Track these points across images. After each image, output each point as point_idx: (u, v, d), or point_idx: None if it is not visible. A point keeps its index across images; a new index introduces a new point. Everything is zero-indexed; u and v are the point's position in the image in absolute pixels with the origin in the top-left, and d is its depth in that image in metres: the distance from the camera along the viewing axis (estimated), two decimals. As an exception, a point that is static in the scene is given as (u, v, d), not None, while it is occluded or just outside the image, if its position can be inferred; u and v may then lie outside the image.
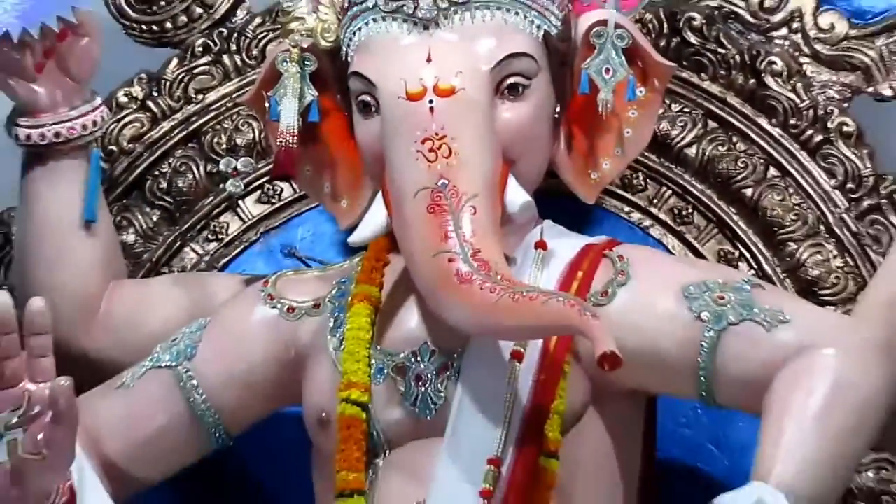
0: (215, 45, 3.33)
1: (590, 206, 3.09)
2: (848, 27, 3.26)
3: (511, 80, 2.90)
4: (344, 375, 2.89)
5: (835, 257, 3.15)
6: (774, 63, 3.19)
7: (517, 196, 2.89)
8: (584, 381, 2.87)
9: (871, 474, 3.08)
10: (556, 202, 3.06)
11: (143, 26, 3.34)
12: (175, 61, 3.32)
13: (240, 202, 3.29)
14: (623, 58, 2.96)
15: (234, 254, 3.29)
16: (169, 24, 3.33)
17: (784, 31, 3.26)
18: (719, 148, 3.19)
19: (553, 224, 3.01)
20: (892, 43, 3.27)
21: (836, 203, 3.16)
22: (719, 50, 3.22)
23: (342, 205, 3.07)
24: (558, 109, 2.98)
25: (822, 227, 3.16)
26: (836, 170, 3.16)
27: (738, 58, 3.22)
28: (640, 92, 3.00)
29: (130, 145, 3.29)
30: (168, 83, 3.30)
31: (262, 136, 3.20)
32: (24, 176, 3.10)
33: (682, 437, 3.13)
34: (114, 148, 3.26)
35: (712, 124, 3.22)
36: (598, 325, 2.66)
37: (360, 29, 2.94)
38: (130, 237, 3.23)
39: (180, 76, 3.30)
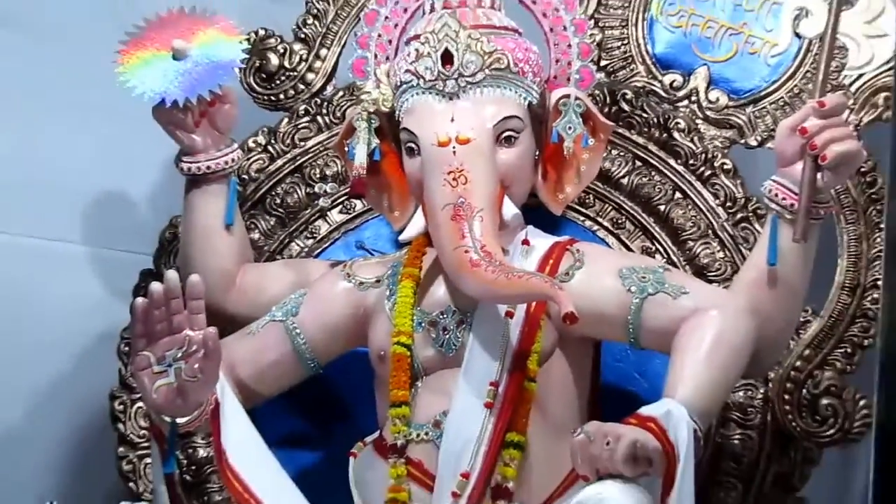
0: (313, 109, 3.28)
1: (558, 216, 3.08)
2: (727, 100, 3.22)
3: (506, 133, 2.93)
4: (395, 327, 2.93)
5: (718, 251, 3.14)
6: (679, 123, 3.17)
7: (509, 210, 2.93)
8: (553, 332, 2.90)
9: (741, 394, 3.07)
10: (535, 213, 3.04)
11: (265, 97, 3.31)
12: (286, 120, 3.28)
13: (328, 213, 3.26)
14: (580, 119, 2.97)
15: (323, 247, 3.26)
16: (282, 96, 3.30)
17: (686, 102, 3.23)
18: (643, 179, 3.17)
19: (534, 228, 3.03)
20: (755, 111, 3.20)
21: (719, 215, 3.14)
22: (643, 114, 3.18)
23: (395, 214, 3.09)
24: (537, 153, 3.00)
25: (710, 232, 3.14)
26: (719, 193, 3.15)
27: (655, 119, 3.18)
28: (591, 142, 3.00)
29: (256, 175, 3.25)
30: (281, 134, 3.27)
31: (343, 169, 3.17)
32: (186, 195, 3.09)
33: (617, 369, 3.11)
34: (245, 176, 3.22)
35: (638, 163, 3.18)
36: (562, 294, 2.72)
37: (407, 99, 2.96)
38: (256, 235, 3.22)
39: (289, 130, 3.27)
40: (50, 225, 3.51)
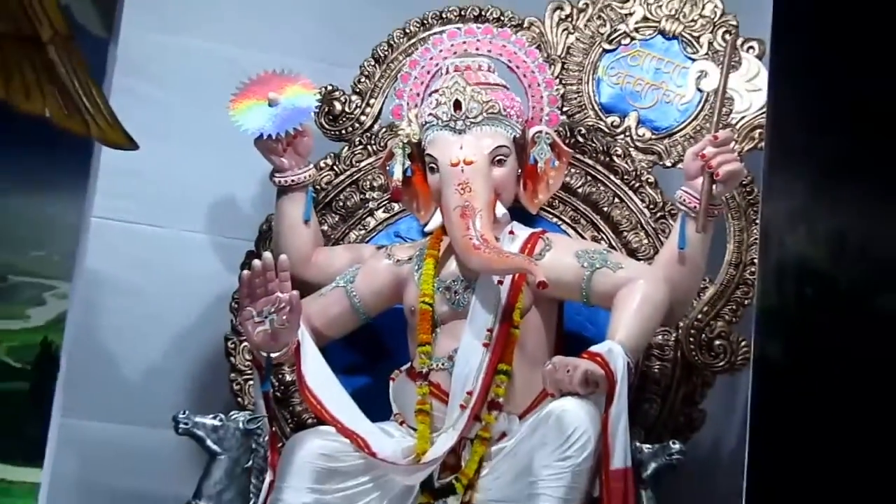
0: (364, 141, 3.23)
1: (534, 215, 3.05)
2: (651, 134, 3.18)
3: (498, 157, 2.92)
4: (421, 291, 2.93)
5: (644, 239, 3.10)
6: (617, 150, 3.14)
7: (500, 210, 2.93)
8: (530, 294, 2.89)
9: (659, 337, 3.04)
10: (518, 213, 3.01)
11: (332, 132, 3.26)
12: (346, 148, 3.23)
13: (374, 212, 3.21)
14: (549, 147, 2.97)
15: (371, 236, 3.21)
16: (343, 132, 3.25)
17: (622, 136, 3.17)
18: (592, 189, 3.13)
19: (517, 223, 3.00)
20: (670, 142, 3.16)
21: (644, 214, 3.11)
22: (592, 144, 3.14)
23: (421, 213, 3.07)
24: (519, 171, 2.99)
25: (638, 225, 3.11)
26: (645, 199, 3.11)
27: (601, 148, 3.14)
28: (557, 163, 2.99)
29: (325, 186, 3.20)
30: (342, 158, 3.22)
31: (385, 182, 3.12)
32: (277, 200, 3.07)
33: (575, 320, 3.06)
34: (318, 187, 3.17)
35: (589, 178, 3.13)
36: (537, 268, 2.76)
37: (430, 133, 2.95)
38: (325, 227, 3.16)
39: (348, 155, 3.23)
40: (185, 221, 3.48)
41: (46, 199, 3.32)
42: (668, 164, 3.16)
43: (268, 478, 2.82)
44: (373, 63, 3.27)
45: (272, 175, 3.07)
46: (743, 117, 3.10)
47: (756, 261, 3.03)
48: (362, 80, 3.27)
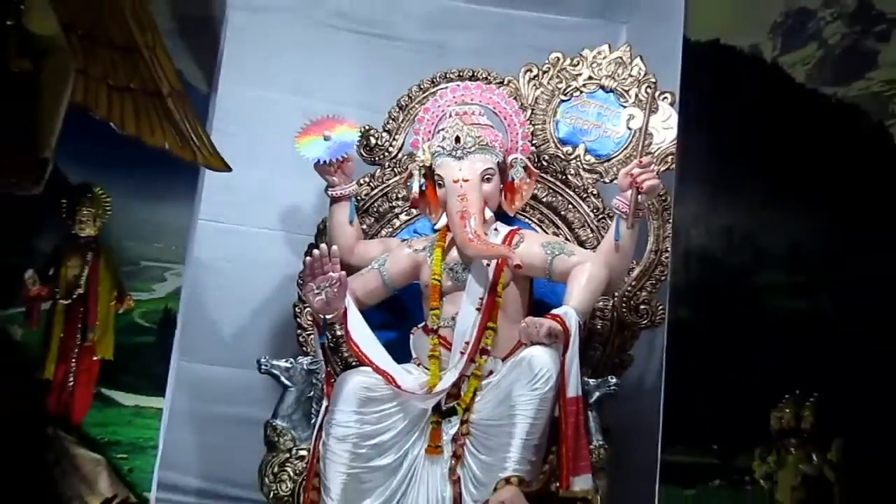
0: (392, 165, 3.18)
1: (512, 217, 3.02)
2: (595, 160, 3.14)
3: (486, 176, 2.91)
4: (433, 271, 2.90)
5: (591, 234, 3.07)
6: (571, 171, 3.12)
7: (488, 213, 2.91)
8: (510, 273, 2.87)
9: (601, 303, 3.00)
10: (501, 215, 2.98)
11: (368, 159, 3.21)
12: (379, 169, 3.18)
13: (399, 215, 3.16)
14: (522, 169, 2.94)
15: (397, 233, 3.16)
16: (376, 158, 3.20)
17: (574, 161, 3.13)
18: (553, 199, 3.10)
19: (500, 222, 2.98)
20: (609, 165, 3.12)
21: (590, 216, 3.08)
22: (553, 166, 3.11)
23: (432, 216, 3.02)
24: (501, 186, 2.96)
25: (586, 224, 3.08)
26: (591, 205, 3.09)
27: (560, 169, 3.11)
28: (528, 180, 2.97)
29: (364, 197, 3.14)
30: (376, 177, 3.18)
31: (406, 194, 3.06)
32: (330, 207, 3.04)
33: (541, 291, 3.01)
34: (359, 198, 3.10)
35: (550, 191, 3.10)
36: (514, 255, 2.76)
37: (438, 159, 2.94)
38: (364, 226, 3.12)
39: (380, 174, 3.19)
40: (264, 222, 3.48)
41: (166, 207, 3.30)
42: (607, 180, 3.13)
43: (324, 404, 2.83)
44: (397, 110, 3.23)
45: (326, 189, 3.05)
46: (659, 147, 3.08)
47: (669, 249, 3.03)
48: (390, 121, 3.24)
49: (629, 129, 3.14)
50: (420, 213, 3.12)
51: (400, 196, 3.18)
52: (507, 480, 2.59)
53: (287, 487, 2.84)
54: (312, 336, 3.05)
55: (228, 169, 2.93)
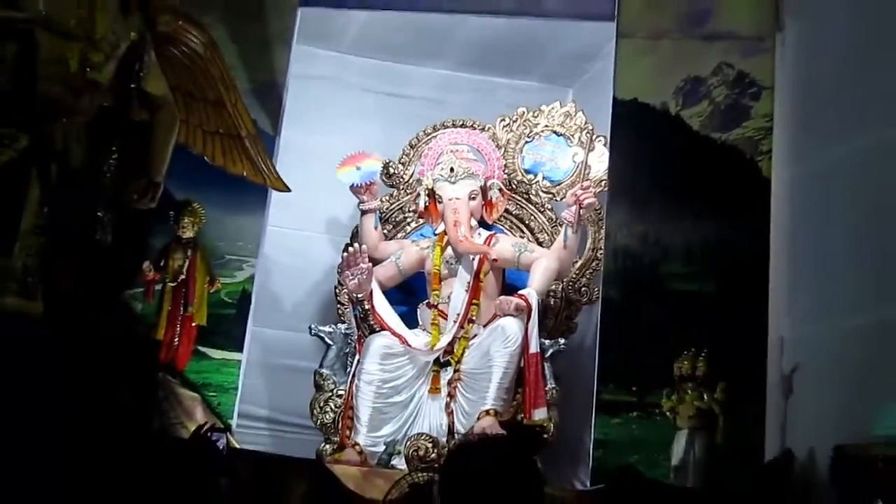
0: (405, 187, 3.11)
1: (490, 224, 2.99)
2: (550, 184, 3.05)
3: (473, 196, 2.89)
4: (434, 262, 2.88)
5: (547, 238, 3.00)
6: (532, 191, 3.06)
7: (473, 222, 2.88)
8: (489, 265, 2.85)
9: (553, 286, 2.91)
10: (482, 223, 2.94)
11: (388, 183, 3.12)
12: (396, 190, 3.12)
13: (410, 223, 3.10)
14: (498, 191, 2.93)
15: (409, 235, 3.08)
16: (394, 183, 3.12)
17: (535, 185, 3.05)
18: (520, 211, 3.01)
19: (482, 228, 2.95)
20: (560, 187, 3.03)
21: (547, 225, 3.03)
22: (520, 188, 3.04)
23: (434, 224, 2.99)
24: (483, 202, 2.93)
25: (543, 231, 3.03)
26: (546, 216, 3.03)
27: (524, 190, 3.04)
28: (502, 199, 2.95)
29: (385, 210, 3.07)
30: (394, 196, 3.12)
31: (415, 209, 3.02)
32: (361, 217, 3.00)
33: (512, 277, 2.94)
34: (381, 211, 3.04)
35: (518, 206, 3.03)
36: (493, 252, 2.76)
37: (438, 183, 2.92)
38: (385, 231, 3.06)
39: (397, 195, 3.12)
40: (314, 227, 3.44)
41: (244, 217, 3.27)
42: (558, 199, 3.08)
43: (356, 357, 2.85)
44: (409, 147, 3.19)
45: (358, 205, 3.05)
46: (596, 175, 3.02)
47: (602, 247, 3.00)
48: (403, 156, 3.20)
49: (574, 162, 3.09)
50: (425, 221, 3.10)
51: (410, 210, 3.15)
52: (487, 412, 2.63)
53: (330, 417, 2.86)
54: (348, 309, 3.02)
55: (288, 190, 2.90)
